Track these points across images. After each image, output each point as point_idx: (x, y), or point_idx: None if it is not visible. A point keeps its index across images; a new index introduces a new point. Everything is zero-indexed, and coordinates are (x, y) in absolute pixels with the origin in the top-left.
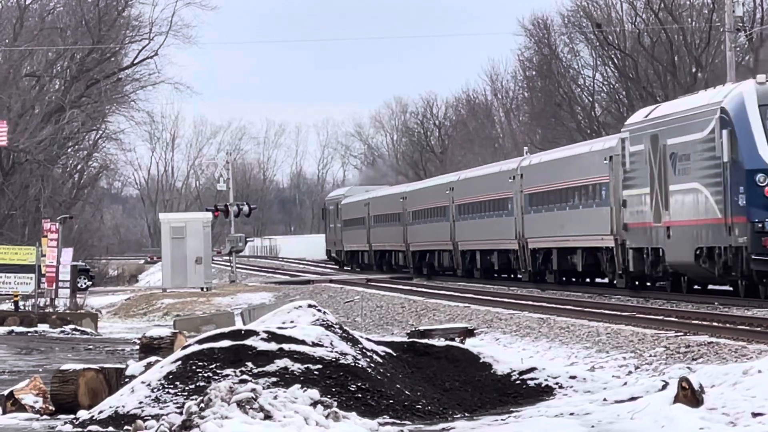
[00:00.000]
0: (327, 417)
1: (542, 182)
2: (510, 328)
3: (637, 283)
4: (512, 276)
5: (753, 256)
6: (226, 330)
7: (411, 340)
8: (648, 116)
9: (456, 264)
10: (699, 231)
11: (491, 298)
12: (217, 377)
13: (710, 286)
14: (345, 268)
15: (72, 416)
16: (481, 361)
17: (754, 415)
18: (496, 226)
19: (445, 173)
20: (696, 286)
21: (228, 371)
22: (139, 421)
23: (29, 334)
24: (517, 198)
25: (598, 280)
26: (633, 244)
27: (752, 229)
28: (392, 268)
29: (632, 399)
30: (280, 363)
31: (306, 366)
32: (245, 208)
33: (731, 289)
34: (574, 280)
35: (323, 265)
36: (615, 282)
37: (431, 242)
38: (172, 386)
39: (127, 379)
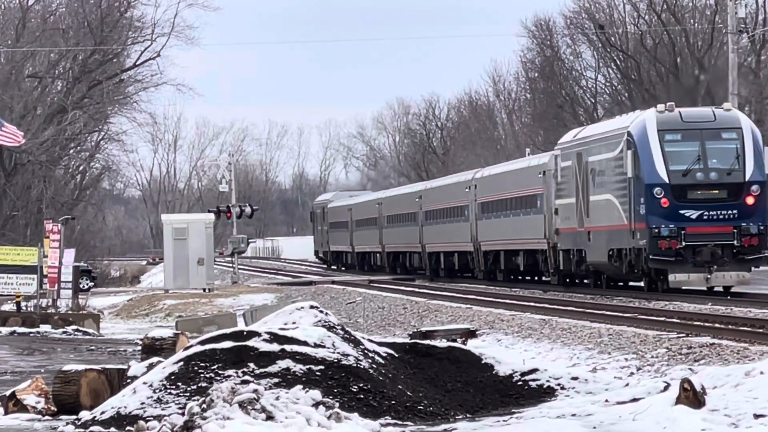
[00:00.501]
0: (329, 418)
1: (491, 192)
2: (512, 329)
3: (567, 280)
4: (471, 275)
5: (651, 256)
6: (228, 331)
7: (413, 341)
8: (575, 136)
9: (424, 264)
10: (611, 235)
11: (493, 300)
12: (219, 378)
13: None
14: (332, 267)
15: (74, 417)
16: (483, 362)
17: (756, 416)
18: (456, 231)
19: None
20: (620, 282)
21: (230, 372)
22: (141, 422)
23: (31, 334)
24: (472, 206)
25: (544, 278)
26: (563, 246)
27: (650, 233)
28: (372, 268)
29: (634, 400)
30: (282, 364)
31: (308, 367)
32: (247, 210)
33: (642, 284)
34: (520, 278)
35: (325, 266)
36: (550, 280)
37: (403, 244)
38: (174, 387)
39: (129, 380)
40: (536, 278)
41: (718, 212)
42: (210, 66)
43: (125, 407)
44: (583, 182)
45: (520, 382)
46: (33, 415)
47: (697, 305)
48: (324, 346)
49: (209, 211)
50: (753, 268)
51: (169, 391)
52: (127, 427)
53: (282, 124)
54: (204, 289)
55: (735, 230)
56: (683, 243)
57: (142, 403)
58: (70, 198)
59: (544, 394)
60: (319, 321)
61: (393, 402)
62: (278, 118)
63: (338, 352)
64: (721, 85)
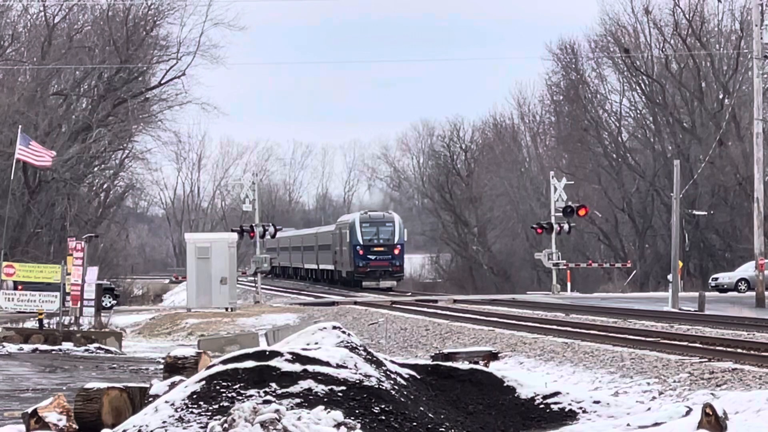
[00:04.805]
0: None
1: (321, 241)
2: (534, 352)
3: (345, 284)
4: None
5: (355, 275)
6: (250, 351)
7: (435, 362)
8: (339, 220)
9: (338, 276)
10: (345, 264)
11: (516, 322)
12: (240, 398)
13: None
14: (278, 275)
15: None
16: (505, 384)
17: None
18: (313, 257)
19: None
20: (356, 284)
21: (252, 392)
22: None
23: (53, 352)
24: (315, 246)
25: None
26: (336, 268)
27: (355, 265)
28: (288, 276)
29: (656, 425)
30: (304, 384)
31: (330, 387)
32: (271, 229)
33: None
34: (333, 283)
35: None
36: (338, 282)
37: (298, 262)
38: (195, 406)
39: (150, 399)
40: (333, 282)
41: (383, 257)
42: (235, 85)
43: (147, 426)
44: (341, 241)
45: (542, 405)
46: None
47: (720, 330)
48: (346, 367)
49: (232, 231)
50: (401, 280)
51: (190, 410)
52: None
53: (306, 144)
54: (226, 309)
55: (389, 264)
56: (368, 269)
57: (164, 422)
58: (94, 216)
59: (566, 417)
60: (342, 342)
61: (415, 424)
62: (302, 138)
63: (360, 373)
64: (745, 110)
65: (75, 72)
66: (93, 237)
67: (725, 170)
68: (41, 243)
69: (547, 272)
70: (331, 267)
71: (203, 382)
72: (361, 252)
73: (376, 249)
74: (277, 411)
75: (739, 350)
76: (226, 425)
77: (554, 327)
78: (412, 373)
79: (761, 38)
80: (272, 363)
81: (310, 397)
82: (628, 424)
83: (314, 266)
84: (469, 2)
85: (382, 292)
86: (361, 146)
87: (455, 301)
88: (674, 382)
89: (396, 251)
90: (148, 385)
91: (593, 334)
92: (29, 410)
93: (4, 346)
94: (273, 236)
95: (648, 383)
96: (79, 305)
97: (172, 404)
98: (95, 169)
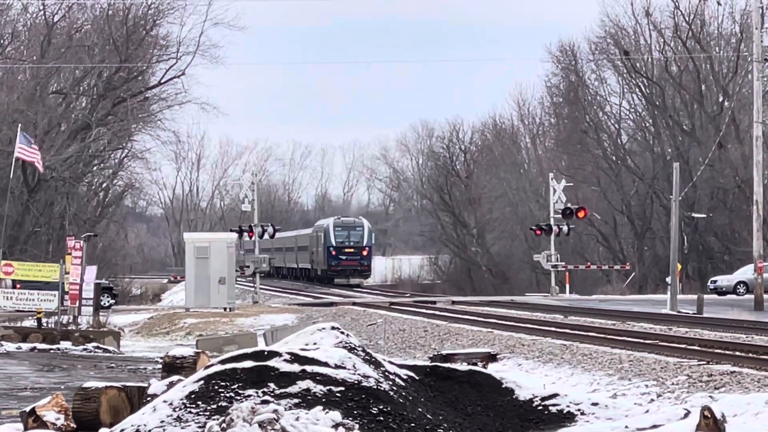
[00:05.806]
0: None
1: (300, 242)
2: (532, 353)
3: (320, 281)
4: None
5: (328, 272)
6: (248, 351)
7: (433, 364)
8: (316, 224)
9: (314, 274)
10: (321, 263)
11: (514, 324)
12: (239, 398)
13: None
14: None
15: None
16: (503, 386)
17: None
18: (294, 257)
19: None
20: (330, 281)
21: (250, 392)
22: None
23: (52, 351)
24: (295, 247)
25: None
26: (313, 266)
27: (328, 264)
28: (274, 276)
29: (654, 427)
30: (303, 384)
31: (328, 388)
32: (270, 230)
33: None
34: (311, 280)
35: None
36: (314, 279)
37: (304, 263)
38: (194, 406)
39: (149, 398)
40: (310, 279)
41: (353, 257)
42: (234, 85)
43: (145, 425)
44: (317, 242)
45: (540, 407)
46: (53, 431)
47: (718, 333)
48: (345, 368)
49: (231, 231)
50: (368, 278)
51: (189, 409)
52: None
53: (305, 145)
54: (225, 309)
55: (358, 263)
56: (340, 268)
57: (162, 422)
58: (93, 215)
59: (564, 419)
60: (340, 342)
61: (413, 425)
62: (302, 139)
63: (359, 374)
64: (745, 113)
65: (74, 71)
66: (92, 236)
67: (724, 173)
68: (40, 242)
69: (545, 274)
70: (308, 266)
71: (201, 382)
72: (333, 252)
73: (346, 250)
74: (275, 411)
75: (737, 353)
76: (224, 425)
77: (553, 329)
78: (411, 374)
79: (761, 41)
80: (271, 363)
81: (309, 397)
82: (627, 427)
83: (294, 265)
84: (469, 4)
85: (352, 288)
86: (361, 147)
87: (454, 302)
88: (673, 384)
89: (364, 253)
90: (146, 385)
91: (592, 336)
92: (27, 409)
93: (2, 345)
94: (272, 237)
95: (646, 385)
96: (77, 304)
97: (171, 404)
98: (94, 168)
